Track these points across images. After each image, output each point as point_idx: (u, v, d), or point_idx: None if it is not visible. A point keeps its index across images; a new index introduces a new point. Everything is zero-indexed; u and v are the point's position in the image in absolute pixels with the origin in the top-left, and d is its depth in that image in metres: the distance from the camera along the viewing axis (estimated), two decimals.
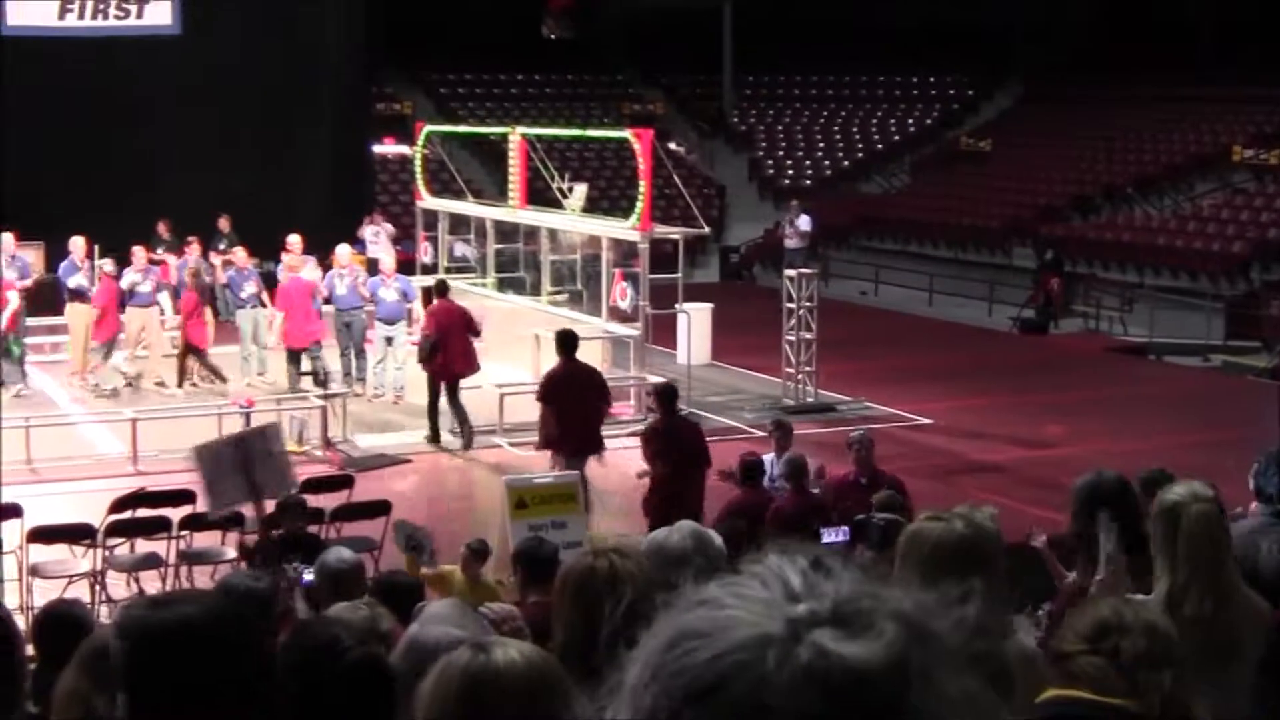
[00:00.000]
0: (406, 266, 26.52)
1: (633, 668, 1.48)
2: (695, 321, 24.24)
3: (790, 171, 46.22)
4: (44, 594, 11.03)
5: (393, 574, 9.26)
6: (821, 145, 47.47)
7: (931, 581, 4.23)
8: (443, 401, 20.25)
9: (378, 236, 29.53)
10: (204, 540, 14.50)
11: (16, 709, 4.04)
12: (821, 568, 1.50)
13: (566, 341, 17.40)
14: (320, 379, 22.21)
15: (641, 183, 22.81)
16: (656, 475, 14.93)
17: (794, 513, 12.81)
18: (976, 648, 3.95)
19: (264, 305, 23.87)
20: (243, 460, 12.53)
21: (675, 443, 15.06)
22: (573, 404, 16.79)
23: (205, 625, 3.23)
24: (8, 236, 23.73)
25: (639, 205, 22.53)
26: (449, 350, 20.03)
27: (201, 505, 13.26)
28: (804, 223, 34.80)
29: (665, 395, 15.86)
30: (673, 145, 39.64)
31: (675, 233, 24.53)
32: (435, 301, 20.92)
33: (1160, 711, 3.42)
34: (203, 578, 13.78)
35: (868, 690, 1.40)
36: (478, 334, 20.54)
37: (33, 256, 25.55)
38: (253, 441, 13.14)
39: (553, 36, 47.36)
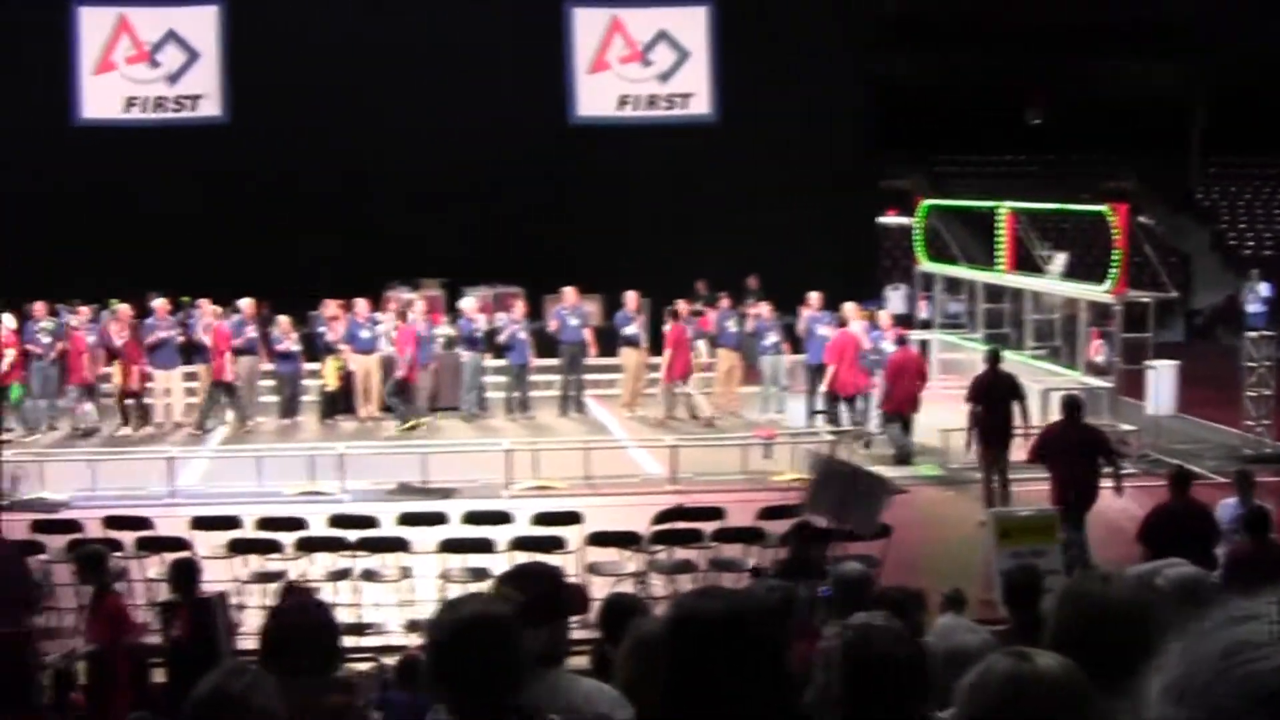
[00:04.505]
0: (905, 322, 26.49)
1: (1173, 674, 1.45)
2: (1163, 377, 23.23)
3: (1251, 242, 44.03)
4: (599, 588, 11.51)
5: (900, 589, 9.20)
6: None
7: None
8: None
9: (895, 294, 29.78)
10: (731, 551, 14.76)
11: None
12: None
13: (993, 354, 18.76)
14: (834, 418, 22.26)
15: (1118, 251, 22.13)
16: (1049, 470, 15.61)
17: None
18: None
19: (782, 353, 24.35)
20: (848, 488, 12.74)
21: (1067, 443, 15.50)
22: (992, 406, 17.83)
23: (746, 617, 3.27)
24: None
25: (1114, 270, 21.88)
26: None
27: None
28: (1264, 289, 33.28)
29: (1070, 405, 16.13)
30: (1143, 219, 38.32)
31: (1146, 296, 23.68)
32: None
33: None
34: (727, 585, 14.00)
35: None
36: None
37: (593, 307, 26.52)
38: (865, 480, 13.24)
39: (1035, 122, 46.76)
